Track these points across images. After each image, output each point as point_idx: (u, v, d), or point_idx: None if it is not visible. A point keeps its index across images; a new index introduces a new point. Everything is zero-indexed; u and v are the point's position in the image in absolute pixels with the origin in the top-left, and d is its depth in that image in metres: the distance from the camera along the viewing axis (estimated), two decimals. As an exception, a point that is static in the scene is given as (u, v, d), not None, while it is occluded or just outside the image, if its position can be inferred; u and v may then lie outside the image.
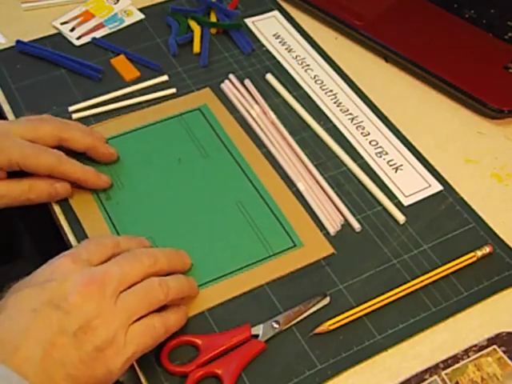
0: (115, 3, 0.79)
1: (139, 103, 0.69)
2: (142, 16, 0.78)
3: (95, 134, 0.63)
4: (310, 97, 0.71)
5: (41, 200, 0.59)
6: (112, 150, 0.63)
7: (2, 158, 0.56)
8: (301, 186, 0.63)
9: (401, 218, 0.61)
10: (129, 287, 0.48)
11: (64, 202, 0.60)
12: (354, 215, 0.61)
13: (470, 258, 0.58)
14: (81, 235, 0.58)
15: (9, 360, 0.43)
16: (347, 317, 0.54)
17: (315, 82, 0.73)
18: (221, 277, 0.56)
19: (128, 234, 0.58)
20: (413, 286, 0.56)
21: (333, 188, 0.63)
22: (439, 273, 0.57)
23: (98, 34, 0.76)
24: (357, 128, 0.68)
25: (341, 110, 0.70)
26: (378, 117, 0.69)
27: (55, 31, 0.76)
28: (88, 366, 0.45)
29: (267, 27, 0.78)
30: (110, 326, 0.46)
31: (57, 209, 0.60)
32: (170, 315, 0.50)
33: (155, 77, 0.71)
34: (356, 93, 0.71)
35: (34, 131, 0.58)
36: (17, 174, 0.58)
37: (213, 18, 0.78)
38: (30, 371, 0.43)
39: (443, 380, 0.51)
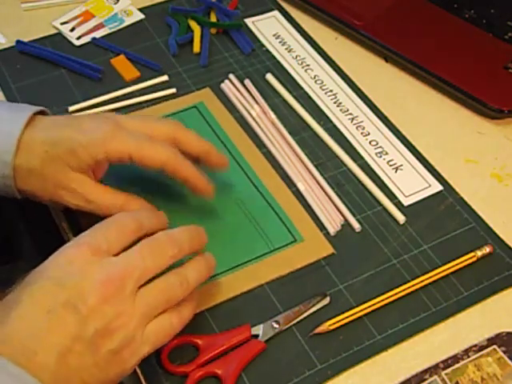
0: (115, 3, 0.79)
1: (139, 103, 0.69)
2: (142, 16, 0.78)
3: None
4: (310, 97, 0.71)
5: None
6: (225, 160, 0.59)
7: (113, 145, 0.52)
8: (301, 186, 0.63)
9: (401, 218, 0.61)
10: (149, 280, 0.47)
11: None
12: (354, 215, 0.61)
13: (470, 257, 0.58)
14: (81, 235, 0.58)
15: (27, 365, 0.41)
16: (347, 317, 0.54)
17: (315, 82, 0.73)
18: (221, 273, 0.56)
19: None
20: (413, 285, 0.56)
21: (333, 188, 0.63)
22: (439, 273, 0.57)
23: (98, 34, 0.76)
24: (357, 128, 0.68)
25: (341, 110, 0.70)
26: (378, 117, 0.69)
27: (55, 31, 0.76)
28: (102, 369, 0.44)
29: (267, 27, 0.78)
30: (128, 327, 0.45)
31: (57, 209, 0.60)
32: (184, 309, 0.49)
33: (155, 77, 0.71)
34: (356, 93, 0.71)
35: (148, 127, 0.55)
36: None
37: (213, 18, 0.78)
38: (45, 377, 0.42)
39: (443, 380, 0.51)
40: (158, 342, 0.47)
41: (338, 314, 0.54)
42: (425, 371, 0.52)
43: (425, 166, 0.65)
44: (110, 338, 0.44)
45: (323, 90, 0.72)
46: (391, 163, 0.66)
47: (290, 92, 0.71)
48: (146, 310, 0.46)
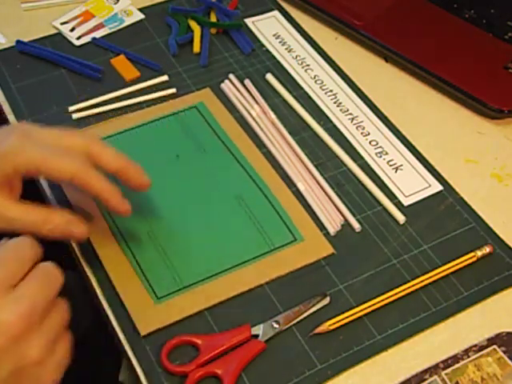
0: (115, 3, 0.79)
1: (139, 103, 0.69)
2: (142, 16, 0.78)
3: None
4: (310, 97, 0.71)
5: (52, 235, 0.53)
6: (146, 178, 0.56)
7: (20, 159, 0.50)
8: (301, 186, 0.63)
9: (401, 218, 0.61)
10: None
11: (64, 199, 0.60)
12: (354, 215, 0.61)
13: (470, 257, 0.58)
14: (81, 235, 0.58)
15: None
16: (347, 317, 0.54)
17: (315, 82, 0.73)
18: (222, 272, 0.56)
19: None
20: (413, 285, 0.56)
21: (333, 188, 0.63)
22: (439, 273, 0.57)
23: (98, 34, 0.76)
24: (357, 128, 0.68)
25: (341, 110, 0.70)
26: (378, 117, 0.69)
27: (55, 31, 0.76)
28: None
29: (267, 27, 0.78)
30: (40, 358, 0.43)
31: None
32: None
33: (155, 77, 0.71)
34: (356, 93, 0.71)
35: (59, 139, 0.53)
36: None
37: (213, 18, 0.78)
38: None
39: (443, 380, 0.51)
40: (66, 361, 0.46)
41: (338, 314, 0.54)
42: (425, 371, 0.52)
43: (425, 166, 0.65)
44: (26, 374, 0.43)
45: (323, 89, 0.72)
46: (391, 163, 0.66)
47: (290, 92, 0.71)
48: (53, 334, 0.45)
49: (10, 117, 0.67)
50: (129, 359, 0.52)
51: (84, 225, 0.54)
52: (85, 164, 0.52)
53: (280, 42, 0.76)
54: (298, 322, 0.54)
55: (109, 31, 0.76)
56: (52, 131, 0.54)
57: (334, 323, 0.54)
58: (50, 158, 0.51)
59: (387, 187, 0.64)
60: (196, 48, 0.74)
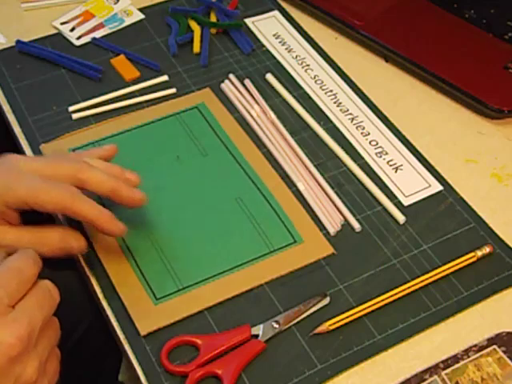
0: (115, 3, 0.79)
1: (139, 103, 0.69)
2: (142, 16, 0.78)
3: (122, 174, 0.56)
4: (310, 97, 0.71)
5: (54, 255, 0.53)
6: (139, 195, 0.55)
7: (9, 194, 0.50)
8: (301, 186, 0.63)
9: (401, 218, 0.61)
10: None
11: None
12: (354, 215, 0.61)
13: (470, 257, 0.58)
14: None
15: None
16: (347, 317, 0.54)
17: (315, 81, 0.73)
18: (221, 273, 0.56)
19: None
20: (413, 285, 0.56)
21: (333, 188, 0.63)
22: (439, 273, 0.57)
23: (98, 34, 0.76)
24: (357, 128, 0.68)
25: (341, 110, 0.70)
26: (378, 117, 0.69)
27: (55, 31, 0.76)
28: None
29: (267, 27, 0.78)
30: (34, 375, 0.44)
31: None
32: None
33: (155, 77, 0.71)
34: (356, 93, 0.71)
35: (47, 168, 0.52)
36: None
37: (213, 18, 0.78)
38: None
39: (443, 380, 0.51)
40: (56, 380, 0.47)
41: (338, 314, 0.54)
42: (425, 371, 0.52)
43: (425, 166, 0.65)
44: None
45: (323, 90, 0.72)
46: (391, 163, 0.66)
47: (290, 92, 0.71)
48: (46, 354, 0.46)
49: (10, 117, 0.68)
50: (129, 359, 0.52)
51: (81, 237, 0.54)
52: (73, 194, 0.51)
53: (280, 42, 0.76)
54: (298, 322, 0.54)
55: (109, 31, 0.76)
56: (39, 160, 0.53)
57: (334, 323, 0.54)
58: (38, 192, 0.50)
59: (387, 187, 0.64)
60: (196, 48, 0.74)
